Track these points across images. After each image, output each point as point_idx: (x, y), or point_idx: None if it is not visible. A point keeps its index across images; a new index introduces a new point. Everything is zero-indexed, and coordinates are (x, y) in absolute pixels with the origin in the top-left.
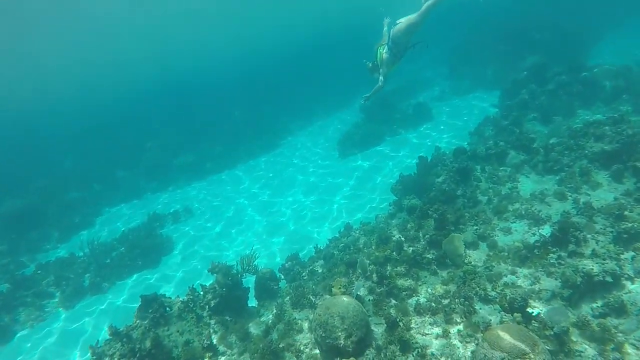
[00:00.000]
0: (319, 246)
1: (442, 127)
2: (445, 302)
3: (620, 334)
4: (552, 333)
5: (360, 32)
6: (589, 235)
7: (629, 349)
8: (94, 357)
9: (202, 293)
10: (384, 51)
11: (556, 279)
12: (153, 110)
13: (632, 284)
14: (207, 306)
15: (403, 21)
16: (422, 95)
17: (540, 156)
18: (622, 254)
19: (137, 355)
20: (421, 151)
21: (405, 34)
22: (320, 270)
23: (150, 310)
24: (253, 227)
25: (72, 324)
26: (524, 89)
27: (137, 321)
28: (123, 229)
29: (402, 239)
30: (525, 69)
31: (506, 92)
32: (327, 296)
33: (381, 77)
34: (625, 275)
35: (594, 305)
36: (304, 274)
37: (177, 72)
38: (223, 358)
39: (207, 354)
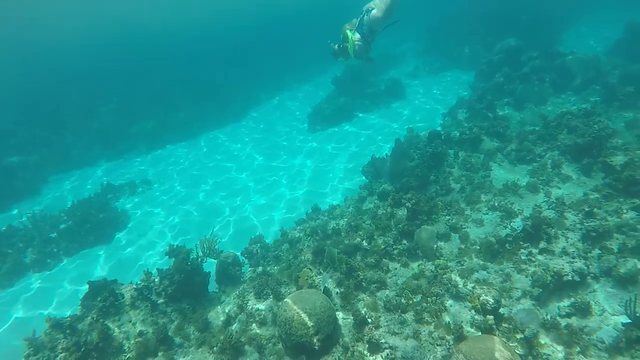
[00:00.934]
0: (284, 228)
1: (415, 105)
2: (417, 298)
3: (585, 336)
4: (522, 336)
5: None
6: (559, 232)
7: (592, 351)
8: (31, 350)
9: (158, 278)
10: (356, 39)
11: (526, 277)
12: (108, 70)
13: (597, 282)
14: (163, 292)
15: (381, 6)
16: (396, 70)
17: (513, 144)
18: (590, 252)
19: (83, 350)
20: (392, 129)
21: (383, 20)
22: (285, 257)
23: (99, 299)
24: (215, 204)
25: (8, 308)
26: (498, 72)
27: (83, 310)
28: (73, 199)
29: (373, 227)
30: (500, 51)
31: (481, 73)
32: (294, 289)
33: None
34: (592, 275)
35: (562, 304)
36: (268, 258)
37: (137, 30)
38: (179, 351)
39: (162, 347)
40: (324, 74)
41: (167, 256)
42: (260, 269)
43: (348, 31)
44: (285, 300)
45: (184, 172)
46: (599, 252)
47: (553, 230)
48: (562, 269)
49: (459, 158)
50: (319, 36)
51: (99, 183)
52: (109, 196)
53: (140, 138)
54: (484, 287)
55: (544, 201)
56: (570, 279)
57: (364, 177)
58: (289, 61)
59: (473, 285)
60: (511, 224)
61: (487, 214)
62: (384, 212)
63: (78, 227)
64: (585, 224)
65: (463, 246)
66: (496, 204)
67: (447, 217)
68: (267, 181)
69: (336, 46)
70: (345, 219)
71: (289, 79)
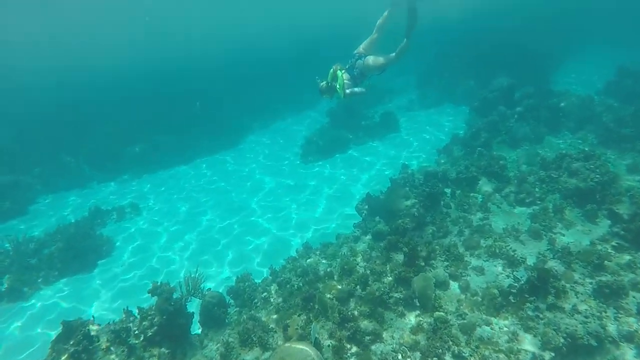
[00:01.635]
0: (274, 267)
1: (409, 140)
2: (415, 356)
3: None
4: None
5: (328, 38)
6: (568, 285)
7: None
8: None
9: (138, 317)
10: (346, 78)
11: (535, 336)
12: (107, 93)
13: (617, 349)
14: (142, 335)
15: (378, 60)
16: (390, 103)
17: (512, 186)
18: (605, 311)
19: None
20: (387, 164)
21: (376, 71)
22: (274, 300)
23: (71, 342)
24: (207, 234)
25: None
26: (494, 110)
27: (53, 354)
28: (59, 222)
29: (368, 271)
30: (495, 89)
31: (475, 110)
32: (282, 338)
33: (358, 88)
34: (609, 339)
35: None
36: (256, 300)
37: (134, 58)
38: None
39: None
40: (317, 105)
41: (150, 294)
42: (246, 314)
43: (338, 71)
44: (272, 355)
45: (173, 199)
46: (615, 312)
47: (561, 283)
48: (576, 330)
49: (456, 198)
50: (313, 67)
51: (87, 206)
52: (97, 221)
53: (132, 161)
54: (489, 346)
55: (548, 249)
56: (586, 342)
57: (356, 213)
58: (283, 91)
59: (477, 344)
60: (514, 273)
61: (487, 260)
62: (379, 254)
63: (62, 253)
64: (596, 277)
65: (463, 296)
66: (497, 251)
67: (446, 264)
68: (253, 214)
69: (323, 83)
70: (338, 260)
71: (282, 108)
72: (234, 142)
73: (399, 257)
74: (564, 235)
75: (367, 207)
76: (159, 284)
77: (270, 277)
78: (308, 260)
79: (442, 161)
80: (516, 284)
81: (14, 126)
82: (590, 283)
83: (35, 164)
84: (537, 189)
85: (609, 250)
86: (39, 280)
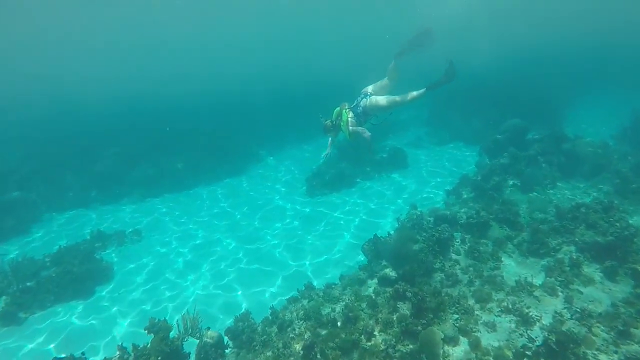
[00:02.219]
0: (275, 307)
1: (417, 177)
2: None
3: None
4: None
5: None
6: (589, 352)
7: None
8: None
9: (132, 355)
10: (350, 116)
11: None
12: (116, 115)
13: None
14: None
15: (388, 100)
16: (398, 138)
17: (525, 234)
18: None
19: None
20: (394, 201)
21: (381, 110)
22: (274, 344)
23: None
24: (215, 264)
25: None
26: (505, 152)
27: None
28: (60, 243)
29: (373, 321)
30: (506, 130)
31: (486, 151)
32: None
33: (361, 129)
34: None
35: None
36: (255, 342)
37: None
38: None
39: None
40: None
41: (146, 332)
42: (243, 357)
43: (344, 110)
44: None
45: (175, 226)
46: None
47: (582, 349)
48: None
49: (465, 244)
50: (323, 98)
51: (89, 227)
52: (97, 244)
53: (137, 185)
54: None
55: (565, 307)
56: None
57: (361, 253)
58: (291, 120)
59: None
60: (528, 332)
61: (499, 316)
62: (385, 302)
63: (59, 277)
64: (622, 347)
65: (474, 355)
66: (510, 306)
67: (456, 317)
68: (260, 246)
69: (328, 122)
70: (341, 304)
71: (290, 137)
72: (240, 170)
73: (406, 307)
74: (581, 292)
75: (373, 247)
76: (156, 320)
77: (271, 318)
78: (310, 303)
79: (451, 202)
80: (531, 345)
81: (23, 145)
82: (615, 352)
83: (41, 183)
84: (551, 240)
85: (634, 315)
86: (35, 305)
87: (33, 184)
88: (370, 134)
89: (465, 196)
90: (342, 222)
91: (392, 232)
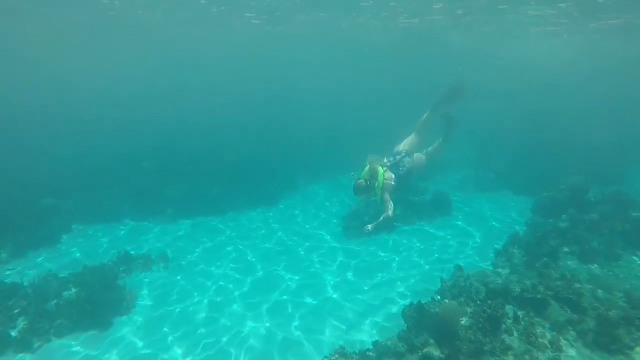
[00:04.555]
0: None
1: (461, 228)
2: None
3: None
4: None
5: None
6: None
7: None
8: None
9: None
10: (387, 177)
11: None
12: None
13: None
14: None
15: (429, 153)
16: (442, 179)
17: (591, 322)
18: None
19: None
20: (438, 255)
21: (423, 169)
22: None
23: None
24: (244, 309)
25: None
26: (562, 213)
27: None
28: (86, 261)
29: None
30: (565, 189)
31: (540, 207)
32: None
33: (390, 207)
34: None
35: None
36: None
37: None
38: None
39: None
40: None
41: None
42: None
43: (380, 167)
44: None
45: (204, 255)
46: None
47: None
48: None
49: (519, 323)
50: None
51: (117, 244)
52: (121, 267)
53: (169, 203)
54: None
55: None
56: None
57: (401, 317)
58: (335, 148)
59: None
60: None
61: None
62: None
63: (79, 303)
64: None
65: None
66: None
67: None
68: (283, 294)
69: (361, 181)
70: None
71: (331, 167)
72: (274, 200)
73: None
74: None
75: (415, 314)
76: None
77: None
78: None
79: (500, 265)
80: None
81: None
82: None
83: (75, 190)
84: (623, 333)
85: None
86: (51, 331)
87: (67, 192)
88: (392, 216)
89: (516, 260)
90: (369, 270)
91: (437, 297)
